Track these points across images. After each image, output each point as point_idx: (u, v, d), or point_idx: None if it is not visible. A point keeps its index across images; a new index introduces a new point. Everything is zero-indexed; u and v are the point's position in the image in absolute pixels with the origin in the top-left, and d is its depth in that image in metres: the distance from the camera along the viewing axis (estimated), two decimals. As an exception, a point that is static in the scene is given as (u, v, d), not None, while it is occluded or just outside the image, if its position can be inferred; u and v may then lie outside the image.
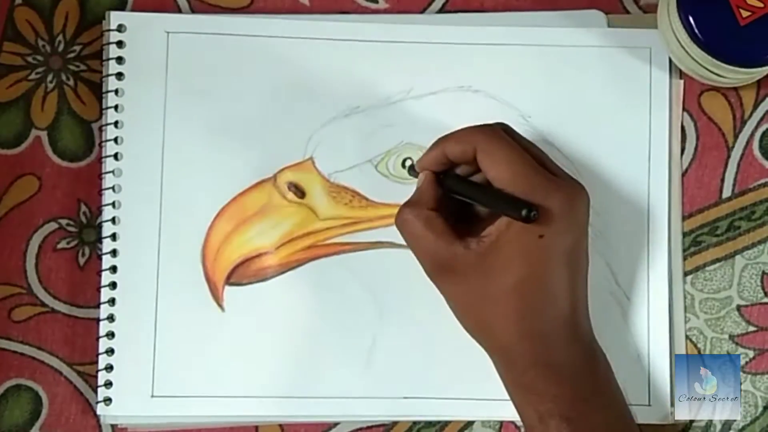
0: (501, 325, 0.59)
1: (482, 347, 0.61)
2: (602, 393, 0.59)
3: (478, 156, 0.59)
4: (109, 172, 0.66)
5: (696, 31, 0.63)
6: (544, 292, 0.58)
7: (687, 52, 0.64)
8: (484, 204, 0.60)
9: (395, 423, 0.67)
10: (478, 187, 0.60)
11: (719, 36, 0.63)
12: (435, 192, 0.61)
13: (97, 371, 0.66)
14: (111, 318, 0.66)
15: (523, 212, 0.55)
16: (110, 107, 0.67)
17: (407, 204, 0.61)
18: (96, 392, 0.66)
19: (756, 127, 0.68)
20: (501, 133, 0.60)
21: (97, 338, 0.66)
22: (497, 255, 0.57)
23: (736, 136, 0.68)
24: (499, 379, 0.60)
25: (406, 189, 0.66)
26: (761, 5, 0.62)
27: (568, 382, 0.58)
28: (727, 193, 0.68)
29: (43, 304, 0.67)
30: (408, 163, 0.66)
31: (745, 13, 0.62)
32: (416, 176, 0.63)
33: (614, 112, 0.67)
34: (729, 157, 0.68)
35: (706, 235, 0.68)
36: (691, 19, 0.63)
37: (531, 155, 0.59)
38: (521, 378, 0.59)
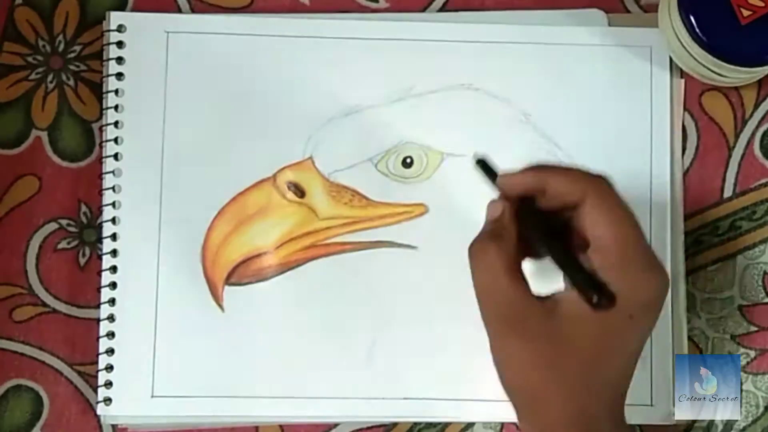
0: (553, 399, 0.52)
1: (517, 409, 0.55)
2: None
3: (585, 206, 0.52)
4: (109, 172, 0.66)
5: (697, 30, 0.63)
6: (612, 375, 0.53)
7: (688, 51, 0.64)
8: (560, 266, 0.53)
9: (395, 424, 0.67)
10: (557, 244, 0.54)
11: (720, 35, 0.63)
12: (517, 228, 0.54)
13: (98, 371, 0.66)
14: (111, 318, 0.66)
15: (595, 299, 0.50)
16: (110, 107, 0.67)
17: (492, 236, 0.54)
18: (96, 392, 0.66)
19: (757, 127, 0.68)
20: (616, 188, 0.54)
21: (98, 338, 0.66)
22: (575, 325, 0.52)
23: (737, 136, 0.68)
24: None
25: (407, 188, 0.66)
26: (762, 4, 0.62)
27: None
28: (728, 193, 0.68)
29: (44, 304, 0.67)
30: (408, 161, 0.66)
31: (746, 12, 0.62)
32: (488, 178, 0.57)
33: (615, 111, 0.67)
34: (730, 156, 0.68)
35: (707, 235, 0.68)
36: (692, 18, 0.63)
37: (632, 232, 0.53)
38: None
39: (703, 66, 0.64)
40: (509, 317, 0.53)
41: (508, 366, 0.54)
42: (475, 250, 0.54)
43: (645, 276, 0.52)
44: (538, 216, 0.55)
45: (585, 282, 0.51)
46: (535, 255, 0.56)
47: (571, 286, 0.52)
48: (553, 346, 0.52)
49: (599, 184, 0.53)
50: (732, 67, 0.63)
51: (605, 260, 0.52)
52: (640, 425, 0.66)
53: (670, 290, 0.65)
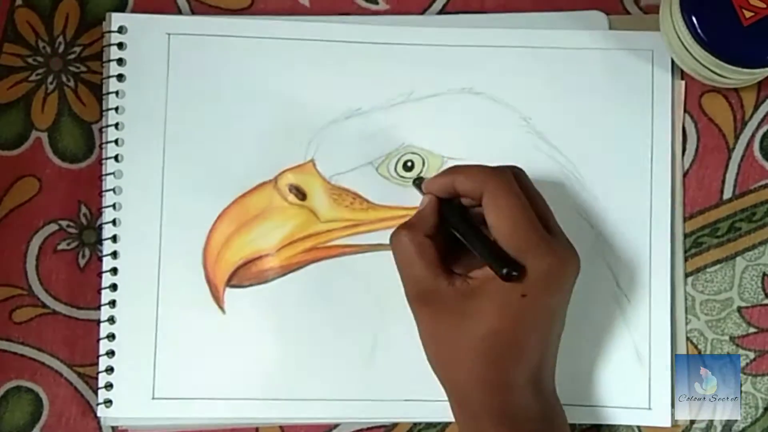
0: (464, 370, 0.59)
1: (441, 384, 0.61)
2: None
3: (483, 199, 0.59)
4: (109, 173, 0.66)
5: (699, 31, 0.62)
6: (514, 349, 0.58)
7: (689, 52, 0.64)
8: (473, 248, 0.59)
9: (395, 424, 0.67)
10: (472, 230, 0.60)
11: (722, 36, 0.62)
12: (435, 219, 0.61)
13: (98, 373, 0.66)
14: (111, 320, 0.66)
15: (504, 271, 0.56)
16: (111, 109, 0.67)
17: (405, 225, 0.60)
18: (96, 394, 0.66)
19: (756, 129, 0.68)
20: (511, 180, 0.59)
21: (98, 340, 0.66)
22: (477, 301, 0.58)
23: (736, 138, 0.68)
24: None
25: (407, 191, 0.66)
26: (764, 6, 0.62)
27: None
28: (727, 194, 0.68)
29: (44, 306, 0.67)
30: (409, 164, 0.66)
31: (748, 14, 0.62)
32: (421, 192, 0.63)
33: (616, 115, 0.67)
34: (730, 158, 0.68)
35: (706, 237, 0.68)
36: (693, 19, 0.63)
37: (535, 208, 0.59)
38: (474, 423, 0.59)
39: (705, 67, 0.64)
40: (421, 294, 0.60)
41: (425, 339, 0.61)
42: (391, 237, 0.61)
43: (534, 259, 0.57)
44: (458, 211, 0.61)
45: (494, 257, 0.57)
46: (466, 249, 0.60)
47: (484, 261, 0.58)
48: (461, 317, 0.58)
49: (495, 177, 0.59)
50: (734, 68, 0.63)
51: (501, 244, 0.58)
52: (638, 427, 0.66)
53: (668, 289, 0.66)
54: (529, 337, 0.58)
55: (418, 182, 0.64)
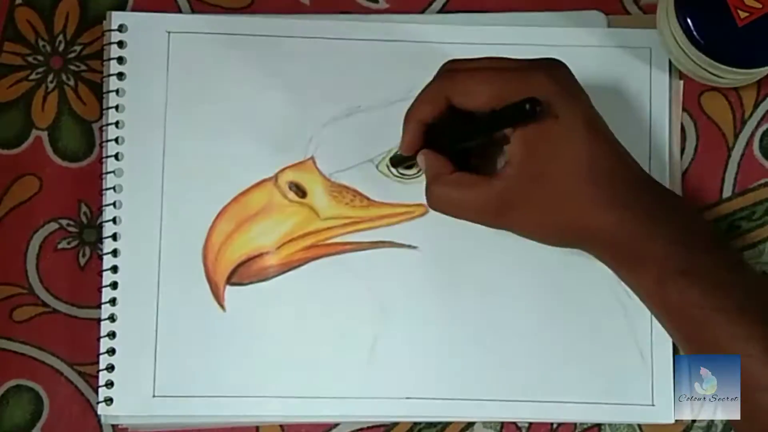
0: (580, 214, 0.57)
1: (578, 248, 0.60)
2: (704, 238, 0.59)
3: (454, 101, 0.59)
4: (110, 172, 0.66)
5: (694, 32, 0.63)
6: (593, 160, 0.57)
7: (686, 53, 0.64)
8: (490, 129, 0.58)
9: (396, 423, 0.67)
10: (474, 122, 0.59)
11: (717, 37, 0.63)
12: (444, 159, 0.60)
13: (98, 371, 0.66)
14: (112, 318, 0.66)
15: (527, 107, 0.54)
16: (111, 107, 0.67)
17: (430, 182, 0.60)
18: (97, 392, 0.66)
19: (756, 127, 0.68)
20: (457, 65, 0.60)
21: (98, 338, 0.66)
22: (534, 161, 0.57)
23: (736, 136, 0.68)
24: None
25: (408, 188, 0.66)
26: (759, 6, 0.62)
27: (667, 238, 0.57)
28: (727, 193, 0.68)
29: (44, 305, 0.67)
30: (409, 162, 0.66)
31: (743, 14, 0.62)
32: (402, 163, 0.64)
33: (614, 113, 0.66)
34: (729, 157, 0.68)
35: (706, 235, 0.68)
36: (689, 20, 0.63)
37: (495, 65, 0.59)
38: (623, 252, 0.58)
39: (701, 68, 0.65)
40: (499, 211, 0.59)
41: (539, 234, 0.60)
42: (431, 200, 0.60)
43: (528, 84, 0.57)
44: (448, 131, 0.61)
45: (509, 112, 0.56)
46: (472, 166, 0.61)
47: (505, 123, 0.57)
48: (543, 188, 0.57)
49: (445, 78, 0.60)
50: (729, 68, 0.63)
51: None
52: (640, 425, 0.66)
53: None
54: (598, 142, 0.58)
55: (394, 160, 0.65)
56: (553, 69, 0.59)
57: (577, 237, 0.59)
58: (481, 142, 0.61)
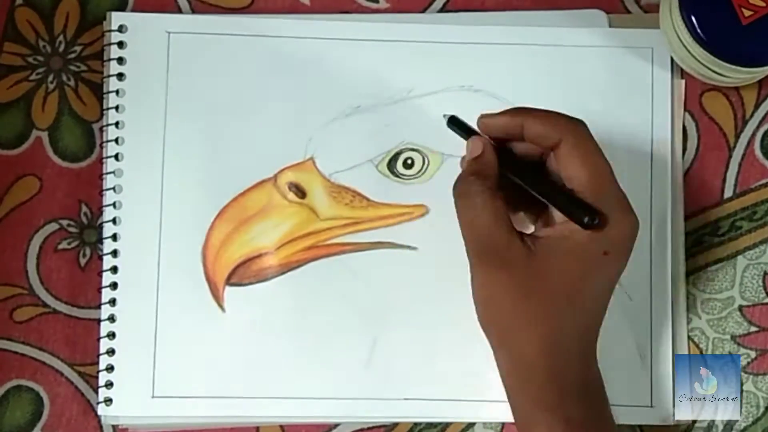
0: (527, 334, 0.55)
1: (493, 347, 0.58)
2: (606, 420, 0.57)
3: (561, 148, 0.56)
4: (110, 172, 0.66)
5: (698, 30, 0.63)
6: (583, 312, 0.56)
7: (689, 51, 0.64)
8: (545, 196, 0.56)
9: (396, 424, 0.67)
10: (540, 177, 0.57)
11: (721, 35, 0.63)
12: (497, 167, 0.57)
13: (98, 372, 0.66)
14: (112, 318, 0.66)
15: (586, 219, 0.53)
16: (111, 108, 0.67)
17: (471, 172, 0.57)
18: (97, 393, 0.66)
19: (757, 127, 0.68)
20: (588, 132, 0.57)
21: (98, 339, 0.66)
22: (553, 259, 0.55)
23: (737, 136, 0.68)
24: (501, 383, 0.58)
25: (407, 189, 0.66)
26: (763, 4, 0.62)
27: (580, 404, 0.55)
28: (728, 193, 0.68)
29: (45, 305, 0.67)
30: (409, 162, 0.66)
31: (747, 13, 0.62)
32: (459, 131, 0.61)
33: (616, 113, 0.67)
34: (730, 157, 0.68)
35: (707, 236, 0.68)
36: (693, 18, 0.63)
37: (607, 167, 0.56)
38: (534, 391, 0.56)
39: (704, 66, 0.64)
40: (489, 250, 0.56)
41: (485, 299, 0.57)
42: (460, 188, 0.57)
43: (618, 215, 0.55)
44: (517, 158, 0.58)
45: (574, 204, 0.54)
46: (513, 200, 0.58)
47: (560, 210, 0.55)
48: (529, 278, 0.55)
49: (576, 126, 0.56)
50: (733, 67, 0.63)
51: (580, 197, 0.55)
52: (640, 426, 0.66)
53: (669, 288, 0.66)
54: (598, 301, 0.56)
55: (454, 121, 0.61)
56: (637, 227, 0.56)
57: (503, 346, 0.57)
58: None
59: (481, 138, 0.59)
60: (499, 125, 0.58)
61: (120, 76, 0.67)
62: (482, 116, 0.59)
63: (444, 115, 0.62)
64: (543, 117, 0.57)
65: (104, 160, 0.67)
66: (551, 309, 0.55)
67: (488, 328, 0.57)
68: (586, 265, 0.55)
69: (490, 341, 0.58)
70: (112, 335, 0.66)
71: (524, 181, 0.57)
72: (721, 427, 0.66)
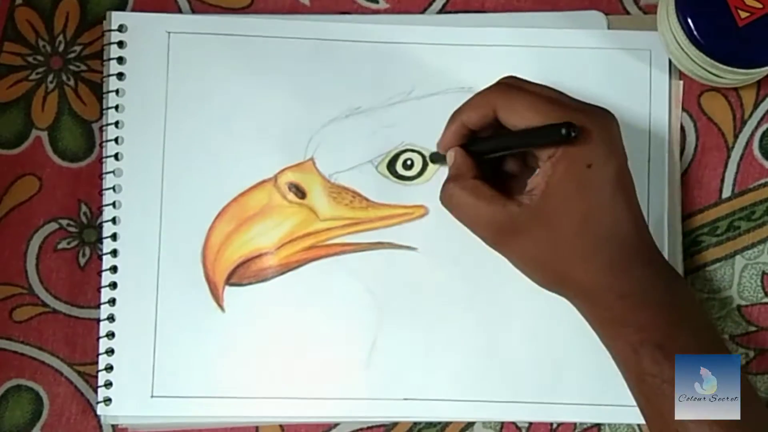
0: (577, 267, 0.57)
1: (564, 296, 0.59)
2: (690, 317, 0.58)
3: (499, 114, 0.58)
4: (109, 172, 0.66)
5: (694, 32, 0.63)
6: (610, 221, 0.57)
7: (686, 53, 0.64)
8: (523, 145, 0.59)
9: (395, 424, 0.67)
10: (510, 135, 0.59)
11: (717, 37, 0.63)
12: (471, 162, 0.60)
13: (98, 371, 0.66)
14: (111, 318, 0.66)
15: (563, 131, 0.54)
16: (111, 107, 0.67)
17: (449, 180, 0.60)
18: (96, 392, 0.66)
19: (756, 127, 0.68)
20: (514, 82, 0.60)
21: (98, 338, 0.66)
22: (553, 201, 0.57)
23: (736, 137, 0.68)
24: (587, 323, 0.59)
25: (407, 190, 0.66)
26: (760, 6, 0.62)
27: (654, 309, 0.57)
28: (727, 193, 0.68)
29: (44, 305, 0.67)
30: (409, 163, 0.66)
31: (743, 14, 0.62)
32: (441, 161, 0.63)
33: (614, 113, 0.67)
34: (729, 157, 0.68)
35: (706, 236, 0.68)
36: (689, 20, 0.63)
37: (551, 95, 0.59)
38: (608, 313, 0.57)
39: (701, 68, 0.65)
40: (500, 230, 0.58)
41: (527, 267, 0.59)
42: (442, 196, 0.60)
43: (581, 116, 0.56)
44: (485, 140, 0.61)
45: (546, 131, 0.56)
46: (507, 180, 0.62)
47: (537, 145, 0.57)
48: (548, 228, 0.57)
49: (500, 89, 0.59)
50: (729, 69, 0.63)
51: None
52: (639, 425, 0.66)
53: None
54: (615, 205, 0.57)
55: (433, 157, 0.65)
56: (603, 119, 0.58)
57: (566, 287, 0.59)
58: (513, 158, 0.62)
59: (453, 148, 0.61)
60: (450, 136, 0.61)
61: (120, 75, 0.67)
62: (437, 144, 0.63)
63: (430, 156, 0.66)
64: (470, 104, 0.60)
65: (104, 160, 0.67)
66: (582, 238, 0.57)
67: (551, 286, 0.60)
68: (580, 188, 0.56)
69: (561, 294, 0.59)
70: (111, 335, 0.66)
71: (500, 150, 0.60)
72: (719, 427, 0.66)
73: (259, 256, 0.66)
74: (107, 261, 0.66)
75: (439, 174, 0.66)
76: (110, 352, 0.66)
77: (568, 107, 0.58)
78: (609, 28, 0.68)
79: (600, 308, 0.58)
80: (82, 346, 0.67)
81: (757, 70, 0.64)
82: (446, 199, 0.60)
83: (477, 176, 0.60)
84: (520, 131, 0.58)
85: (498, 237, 0.59)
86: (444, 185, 0.60)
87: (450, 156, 0.61)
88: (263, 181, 0.66)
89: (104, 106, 0.67)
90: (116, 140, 0.67)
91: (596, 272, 0.57)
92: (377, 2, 0.69)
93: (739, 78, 0.65)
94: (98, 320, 0.66)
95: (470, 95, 0.66)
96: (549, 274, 0.59)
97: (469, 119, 0.60)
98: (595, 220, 0.57)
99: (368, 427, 0.67)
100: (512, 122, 0.58)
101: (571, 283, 0.58)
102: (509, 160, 0.63)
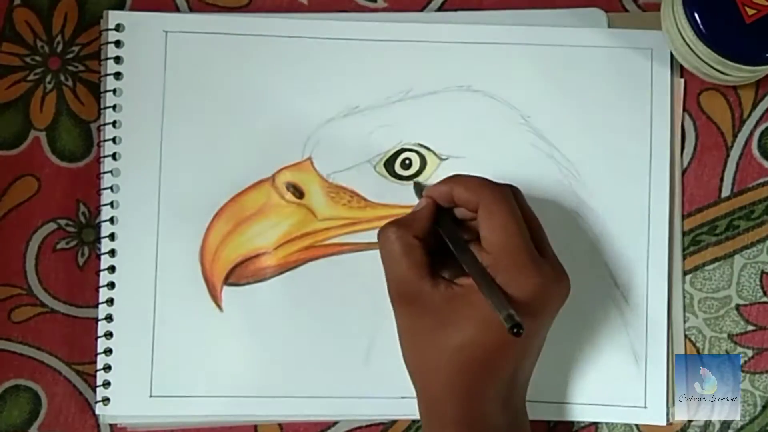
0: (436, 376, 0.58)
1: (413, 385, 0.60)
2: None
3: (479, 211, 0.58)
4: (107, 172, 0.66)
5: (701, 27, 0.62)
6: (490, 363, 0.57)
7: (691, 49, 0.64)
8: (471, 274, 0.57)
9: (394, 422, 0.67)
10: (468, 254, 0.58)
11: (724, 33, 0.62)
12: (428, 222, 0.60)
13: (96, 371, 0.66)
14: (109, 318, 0.66)
15: (509, 325, 0.52)
16: (108, 107, 0.67)
17: (395, 222, 0.60)
18: (95, 392, 0.66)
19: (755, 127, 0.68)
20: (508, 194, 0.59)
21: (96, 338, 0.66)
22: (460, 309, 0.57)
23: (735, 136, 0.68)
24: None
25: (405, 189, 0.66)
26: (766, 3, 0.62)
27: None
28: (726, 192, 0.68)
29: (43, 305, 0.67)
30: (407, 163, 0.66)
31: (750, 11, 0.62)
32: (419, 195, 0.64)
33: (615, 112, 0.67)
34: (728, 156, 0.68)
35: (705, 235, 0.68)
36: (696, 15, 0.62)
37: (530, 228, 0.59)
38: (440, 430, 0.58)
39: (707, 64, 0.64)
40: (403, 294, 0.59)
41: (402, 339, 0.60)
42: (379, 235, 0.60)
43: (518, 276, 0.56)
44: (452, 223, 0.60)
45: (497, 298, 0.55)
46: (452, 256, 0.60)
47: (484, 295, 0.56)
48: (440, 326, 0.57)
49: (494, 192, 0.58)
50: (736, 65, 0.63)
51: (488, 259, 0.57)
52: (637, 425, 0.66)
53: (666, 287, 0.66)
54: (506, 353, 0.58)
55: (418, 187, 0.65)
56: (552, 287, 0.58)
57: (418, 384, 0.60)
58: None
59: (427, 201, 0.61)
60: (437, 193, 0.61)
61: (117, 75, 0.67)
62: (428, 187, 0.62)
63: (414, 183, 0.66)
64: (466, 182, 0.60)
65: (102, 160, 0.67)
66: (456, 355, 0.57)
67: (407, 365, 0.61)
68: (487, 321, 0.56)
69: (412, 382, 0.61)
70: (109, 334, 0.66)
71: (451, 244, 0.59)
72: (718, 426, 0.67)
73: (257, 255, 0.66)
74: (105, 261, 0.66)
75: (437, 174, 0.66)
76: (108, 351, 0.66)
77: (527, 257, 0.57)
78: (609, 25, 0.68)
79: (435, 421, 0.59)
80: (80, 346, 0.67)
81: (763, 67, 0.64)
82: (381, 239, 0.60)
83: (421, 237, 0.59)
84: (478, 267, 0.57)
85: (398, 297, 0.60)
86: (387, 224, 0.60)
87: (420, 203, 0.61)
88: (261, 181, 0.66)
89: (102, 106, 0.67)
90: (114, 140, 0.67)
91: (448, 392, 0.58)
92: (375, 1, 0.69)
93: (745, 75, 0.65)
94: (96, 320, 0.66)
95: (469, 93, 0.66)
96: (413, 362, 0.60)
97: (458, 194, 0.59)
98: (478, 355, 0.57)
99: (367, 426, 0.67)
100: (482, 228, 0.58)
101: (424, 385, 0.60)
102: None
